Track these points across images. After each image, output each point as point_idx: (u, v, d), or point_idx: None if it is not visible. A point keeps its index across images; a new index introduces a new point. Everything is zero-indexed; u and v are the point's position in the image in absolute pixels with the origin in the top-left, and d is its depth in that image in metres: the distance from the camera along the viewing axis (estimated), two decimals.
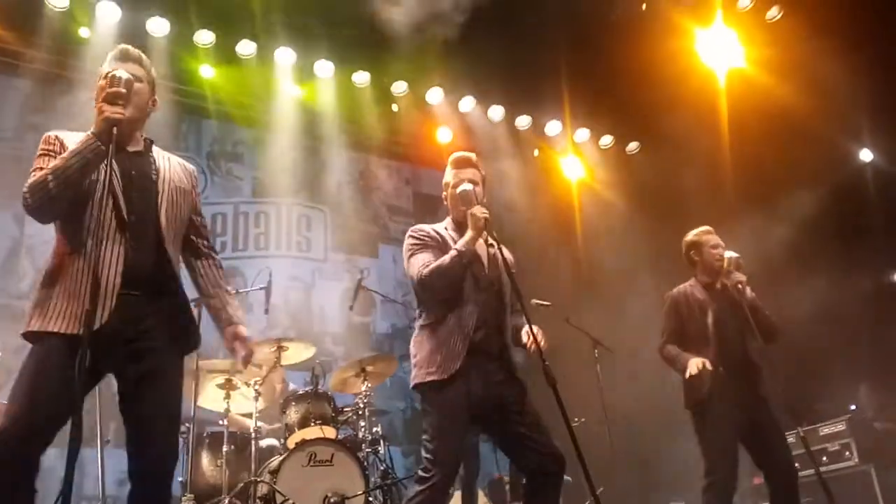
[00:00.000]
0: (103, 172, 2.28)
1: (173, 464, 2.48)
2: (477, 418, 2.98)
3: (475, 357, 2.92)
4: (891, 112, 6.16)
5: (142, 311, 2.40)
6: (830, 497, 3.42)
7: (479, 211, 2.96)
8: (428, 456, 2.86)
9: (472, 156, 3.25)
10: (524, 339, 2.95)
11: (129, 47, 2.60)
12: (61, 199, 2.31)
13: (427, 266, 2.97)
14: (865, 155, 7.01)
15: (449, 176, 3.20)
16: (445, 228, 3.18)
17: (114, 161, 2.27)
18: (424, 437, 2.92)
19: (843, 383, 5.66)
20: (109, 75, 2.34)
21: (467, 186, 3.07)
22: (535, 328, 2.87)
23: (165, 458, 2.44)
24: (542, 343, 2.86)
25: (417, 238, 3.11)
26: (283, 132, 7.19)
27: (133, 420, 2.40)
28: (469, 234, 2.97)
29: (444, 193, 3.23)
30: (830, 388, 5.12)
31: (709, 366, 3.74)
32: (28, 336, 2.34)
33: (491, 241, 3.03)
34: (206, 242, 2.77)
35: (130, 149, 2.53)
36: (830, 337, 3.93)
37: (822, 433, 5.37)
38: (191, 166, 2.75)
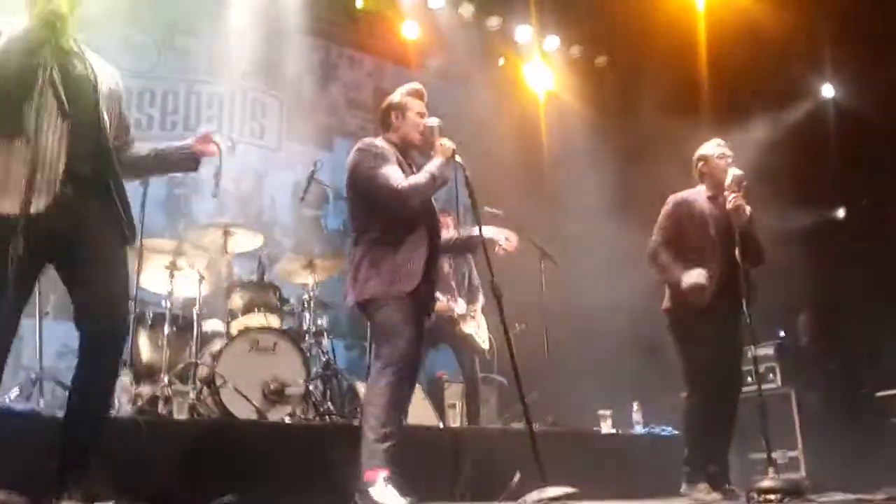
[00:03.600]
0: (44, 67, 2.25)
1: (126, 331, 2.57)
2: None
3: (427, 276, 3.21)
4: (856, 46, 6.10)
5: (82, 202, 2.43)
6: (764, 412, 3.65)
7: (449, 142, 3.24)
8: (392, 356, 3.08)
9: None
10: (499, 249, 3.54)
11: None
12: None
13: (406, 181, 3.15)
14: (827, 90, 6.98)
15: (416, 105, 3.38)
16: (388, 147, 3.30)
17: (53, 57, 2.30)
18: (379, 344, 3.17)
19: (781, 311, 5.92)
20: None
21: (435, 121, 3.31)
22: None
23: (118, 326, 2.49)
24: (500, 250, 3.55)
25: (378, 153, 3.23)
26: (242, 9, 6.77)
27: (82, 297, 2.44)
28: (440, 160, 3.22)
29: (397, 112, 3.36)
30: (770, 315, 5.37)
31: (705, 280, 3.73)
32: None
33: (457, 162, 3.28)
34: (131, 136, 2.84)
35: (65, 46, 2.50)
36: (772, 266, 4.07)
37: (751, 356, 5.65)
38: (115, 70, 2.75)
